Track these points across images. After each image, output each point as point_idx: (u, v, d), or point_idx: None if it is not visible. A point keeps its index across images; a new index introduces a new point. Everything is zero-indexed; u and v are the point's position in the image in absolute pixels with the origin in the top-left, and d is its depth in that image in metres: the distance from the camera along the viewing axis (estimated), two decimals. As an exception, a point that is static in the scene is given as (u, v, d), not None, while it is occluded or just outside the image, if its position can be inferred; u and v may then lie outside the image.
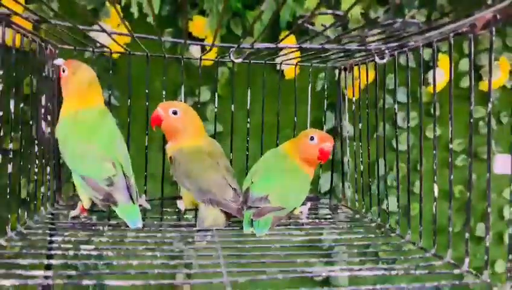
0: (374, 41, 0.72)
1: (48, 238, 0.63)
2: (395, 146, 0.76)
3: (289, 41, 1.23)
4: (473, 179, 0.56)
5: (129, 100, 0.87)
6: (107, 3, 1.25)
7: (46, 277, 0.49)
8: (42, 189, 0.78)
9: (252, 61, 0.89)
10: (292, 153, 0.80)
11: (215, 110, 0.92)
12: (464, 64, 1.51)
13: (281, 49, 0.78)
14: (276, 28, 1.34)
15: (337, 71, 0.98)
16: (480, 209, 1.56)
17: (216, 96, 0.92)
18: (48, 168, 0.80)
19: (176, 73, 1.08)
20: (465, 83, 1.52)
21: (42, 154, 0.78)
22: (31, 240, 0.62)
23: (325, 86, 1.01)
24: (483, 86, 1.54)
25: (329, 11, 0.62)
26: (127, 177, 0.69)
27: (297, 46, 0.76)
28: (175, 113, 0.77)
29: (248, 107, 0.92)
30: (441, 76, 1.30)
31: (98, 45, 0.84)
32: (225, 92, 1.31)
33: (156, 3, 1.22)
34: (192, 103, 1.23)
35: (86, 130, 0.71)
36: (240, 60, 0.81)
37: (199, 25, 1.31)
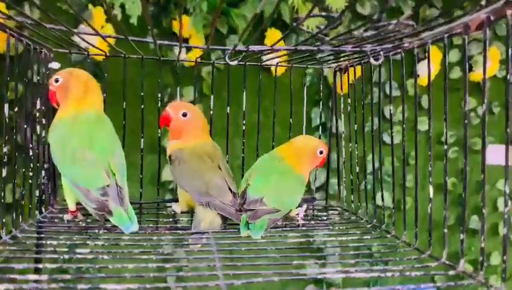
0: (368, 43, 0.72)
1: (43, 242, 0.63)
2: (387, 146, 0.76)
3: (275, 38, 1.23)
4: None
5: (124, 103, 0.87)
6: (90, 6, 1.25)
7: (40, 281, 0.49)
8: (37, 193, 0.78)
9: (247, 64, 0.89)
10: (287, 156, 0.80)
11: (211, 112, 0.92)
12: (453, 56, 1.49)
13: (275, 51, 0.78)
14: (260, 26, 1.34)
15: (332, 73, 0.98)
16: (474, 201, 1.54)
17: (212, 97, 0.91)
18: (43, 172, 0.80)
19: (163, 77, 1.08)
20: (453, 74, 1.50)
21: (37, 157, 0.78)
22: (25, 244, 0.62)
23: (321, 87, 1.01)
24: (474, 76, 1.52)
25: (324, 14, 0.62)
26: (120, 187, 0.66)
27: (293, 48, 0.76)
28: (184, 115, 0.78)
29: (244, 109, 0.92)
30: (431, 68, 1.29)
31: (84, 46, 0.83)
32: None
33: (139, 4, 1.21)
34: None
35: (82, 136, 0.68)
36: (235, 63, 0.80)
37: (183, 24, 1.31)
